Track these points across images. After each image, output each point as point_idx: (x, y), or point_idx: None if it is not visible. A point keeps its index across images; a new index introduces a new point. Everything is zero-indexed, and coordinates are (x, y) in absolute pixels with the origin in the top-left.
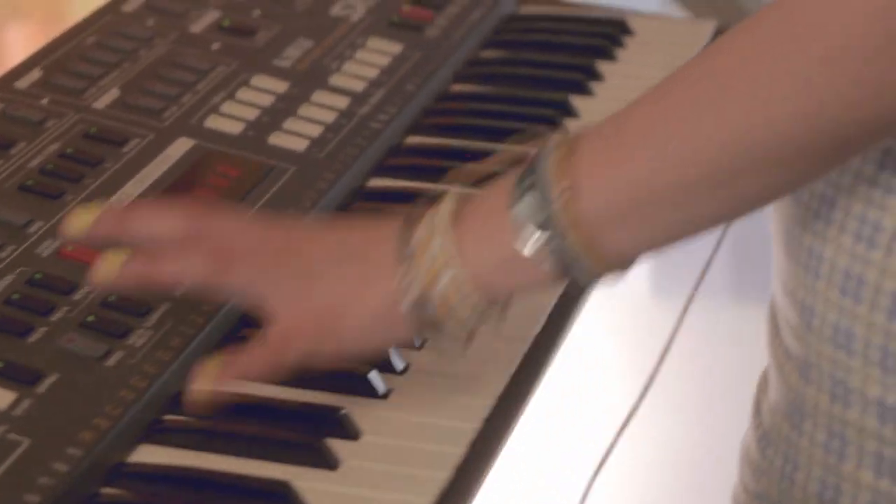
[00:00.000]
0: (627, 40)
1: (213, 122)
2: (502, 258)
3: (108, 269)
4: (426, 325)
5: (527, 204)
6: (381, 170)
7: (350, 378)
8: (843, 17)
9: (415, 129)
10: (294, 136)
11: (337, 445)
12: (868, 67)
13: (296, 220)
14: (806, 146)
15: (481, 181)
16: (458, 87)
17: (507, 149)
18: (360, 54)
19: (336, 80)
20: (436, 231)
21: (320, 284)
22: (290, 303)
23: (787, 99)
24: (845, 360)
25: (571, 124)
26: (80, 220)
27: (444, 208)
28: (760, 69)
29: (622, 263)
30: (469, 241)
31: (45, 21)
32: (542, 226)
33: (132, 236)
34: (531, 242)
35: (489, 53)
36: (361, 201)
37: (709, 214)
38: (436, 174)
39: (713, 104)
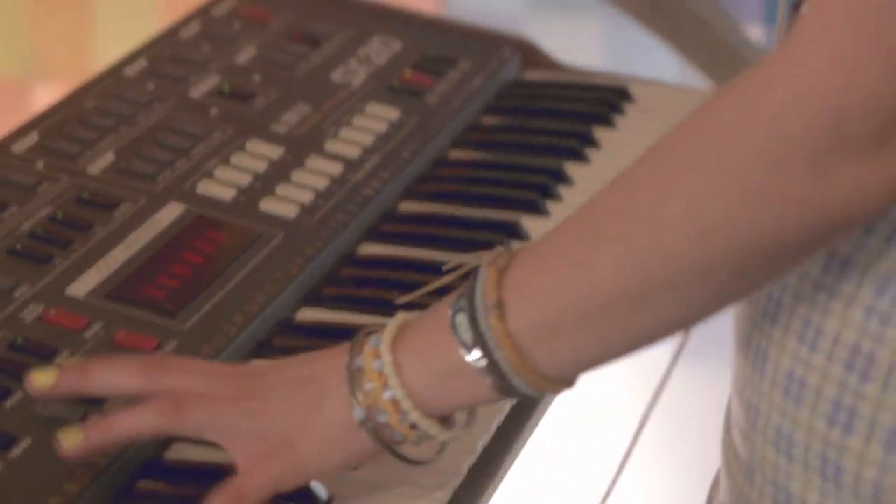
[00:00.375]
0: (628, 107)
1: (205, 188)
2: (442, 375)
3: (70, 439)
4: (382, 442)
5: (462, 321)
6: (374, 236)
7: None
8: (739, 134)
9: (409, 195)
10: (285, 203)
11: None
12: (766, 181)
13: (247, 364)
14: (709, 264)
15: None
16: (455, 154)
17: (455, 263)
18: (357, 120)
19: (331, 145)
20: (378, 352)
21: (273, 420)
22: (245, 445)
23: (684, 219)
24: (787, 465)
25: (565, 192)
26: (41, 381)
27: (389, 329)
28: (660, 191)
29: (561, 379)
30: (408, 360)
31: (71, 80)
32: (475, 343)
33: (92, 393)
34: (468, 359)
35: (490, 119)
36: (351, 268)
37: (634, 334)
38: (429, 241)
39: (614, 229)
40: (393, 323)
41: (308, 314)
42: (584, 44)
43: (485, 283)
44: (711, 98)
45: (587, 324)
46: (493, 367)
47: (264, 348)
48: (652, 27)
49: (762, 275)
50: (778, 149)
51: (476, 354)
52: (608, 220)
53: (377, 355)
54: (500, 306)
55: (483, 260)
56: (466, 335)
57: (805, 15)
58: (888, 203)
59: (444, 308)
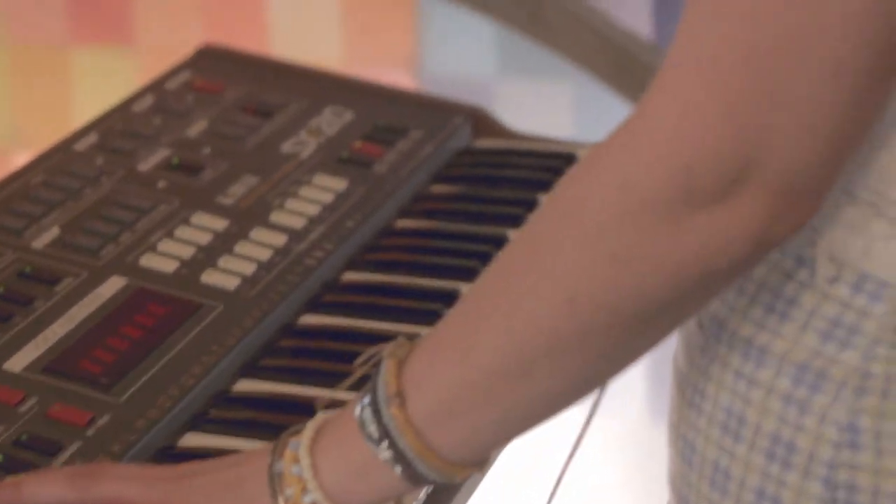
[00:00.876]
0: None
1: (147, 261)
2: (356, 471)
3: None
4: None
5: (367, 414)
6: (316, 307)
7: None
8: (593, 201)
9: (353, 265)
10: (226, 274)
11: None
12: (620, 243)
13: (178, 467)
14: (582, 331)
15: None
16: (402, 223)
17: (368, 354)
18: (304, 191)
19: (276, 217)
20: (297, 456)
21: None
22: None
23: (551, 291)
24: None
25: None
26: None
27: (308, 431)
28: (529, 267)
29: (467, 462)
30: (325, 462)
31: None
32: (380, 434)
33: None
34: (375, 450)
35: (438, 188)
36: (289, 339)
37: (526, 408)
38: (369, 311)
39: (492, 311)
40: (312, 424)
41: (245, 385)
42: (556, 109)
43: (386, 375)
44: (573, 169)
45: (478, 404)
46: (398, 455)
47: (200, 420)
48: (622, 91)
49: (642, 335)
50: (629, 210)
51: (382, 445)
52: (487, 302)
53: (296, 459)
54: (400, 395)
55: (385, 352)
56: (371, 427)
57: (658, 75)
58: (745, 254)
59: (354, 404)
